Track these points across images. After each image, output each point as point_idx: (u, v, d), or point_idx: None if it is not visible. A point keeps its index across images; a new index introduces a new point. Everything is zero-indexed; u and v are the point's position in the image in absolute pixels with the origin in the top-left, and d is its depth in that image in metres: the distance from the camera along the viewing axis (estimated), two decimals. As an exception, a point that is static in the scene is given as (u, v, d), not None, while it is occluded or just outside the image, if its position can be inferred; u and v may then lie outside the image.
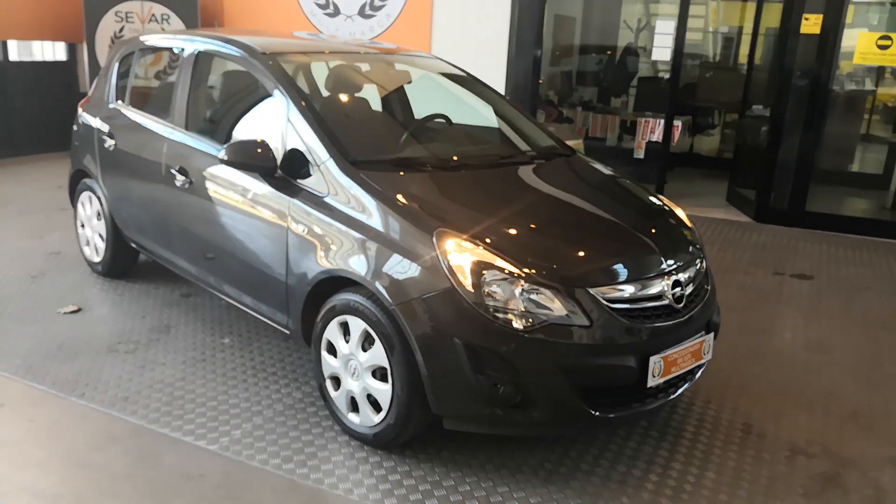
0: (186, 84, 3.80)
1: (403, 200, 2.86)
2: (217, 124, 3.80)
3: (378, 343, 2.76)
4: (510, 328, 2.54)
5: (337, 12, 8.18)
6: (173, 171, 3.70)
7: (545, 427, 2.70)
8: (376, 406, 2.85)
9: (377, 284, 2.72)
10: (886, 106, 8.91)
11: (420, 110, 4.25)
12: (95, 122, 4.46)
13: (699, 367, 3.01)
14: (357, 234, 2.84)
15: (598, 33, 10.56)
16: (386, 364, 2.74)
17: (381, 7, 7.92)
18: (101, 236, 4.55)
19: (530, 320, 2.54)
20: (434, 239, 2.66)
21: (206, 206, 3.56)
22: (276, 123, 3.26)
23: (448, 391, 2.64)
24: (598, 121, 8.90)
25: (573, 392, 2.60)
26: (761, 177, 6.93)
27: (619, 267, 2.78)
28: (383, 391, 2.78)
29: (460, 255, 2.61)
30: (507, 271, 2.58)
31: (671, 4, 9.24)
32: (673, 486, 2.78)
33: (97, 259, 4.64)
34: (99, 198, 4.46)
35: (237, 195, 3.37)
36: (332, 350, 3.00)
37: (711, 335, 3.02)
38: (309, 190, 3.05)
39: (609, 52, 10.24)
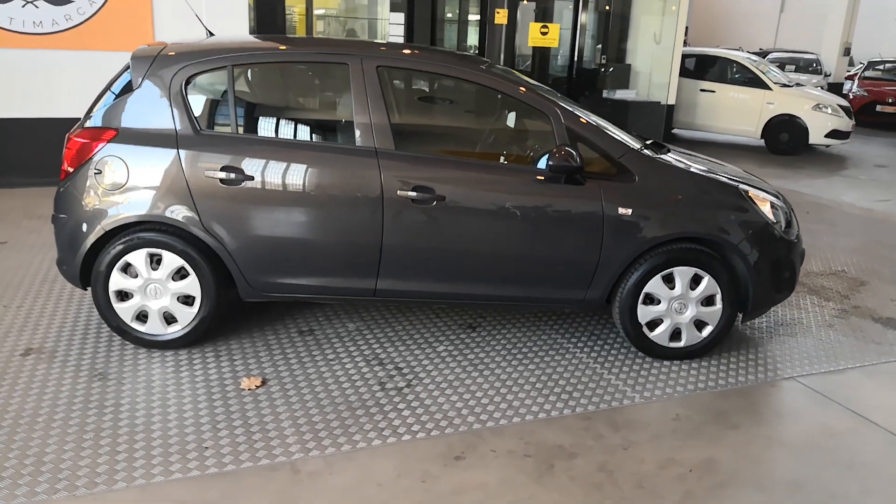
0: (379, 101, 3.56)
1: (703, 171, 3.88)
2: (468, 138, 3.73)
3: (708, 278, 3.78)
4: (791, 240, 3.98)
5: (10, -4, 6.48)
6: (404, 193, 3.55)
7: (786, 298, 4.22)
8: (698, 327, 3.87)
9: (717, 233, 3.74)
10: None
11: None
12: (173, 157, 3.50)
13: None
14: (685, 202, 3.76)
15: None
16: (716, 292, 3.80)
17: (82, -8, 6.65)
18: (182, 299, 3.66)
19: (792, 231, 4.01)
20: (742, 193, 3.84)
21: (475, 220, 3.67)
22: (540, 130, 3.69)
23: (763, 295, 3.91)
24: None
25: (797, 272, 4.19)
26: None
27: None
28: (713, 312, 3.84)
29: (761, 201, 3.88)
30: (778, 206, 3.97)
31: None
32: (821, 324, 4.62)
33: (172, 329, 3.69)
34: (184, 251, 3.58)
35: (523, 199, 3.66)
36: (647, 301, 3.81)
37: None
38: (617, 180, 3.69)
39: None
